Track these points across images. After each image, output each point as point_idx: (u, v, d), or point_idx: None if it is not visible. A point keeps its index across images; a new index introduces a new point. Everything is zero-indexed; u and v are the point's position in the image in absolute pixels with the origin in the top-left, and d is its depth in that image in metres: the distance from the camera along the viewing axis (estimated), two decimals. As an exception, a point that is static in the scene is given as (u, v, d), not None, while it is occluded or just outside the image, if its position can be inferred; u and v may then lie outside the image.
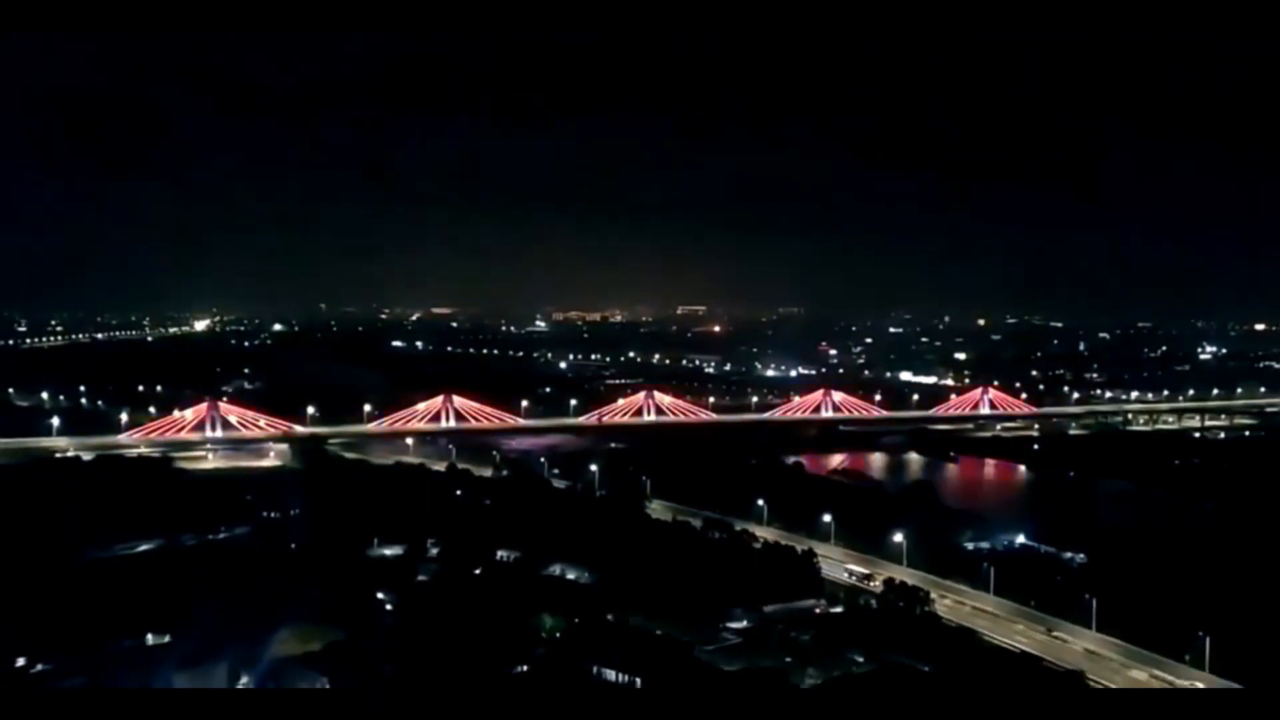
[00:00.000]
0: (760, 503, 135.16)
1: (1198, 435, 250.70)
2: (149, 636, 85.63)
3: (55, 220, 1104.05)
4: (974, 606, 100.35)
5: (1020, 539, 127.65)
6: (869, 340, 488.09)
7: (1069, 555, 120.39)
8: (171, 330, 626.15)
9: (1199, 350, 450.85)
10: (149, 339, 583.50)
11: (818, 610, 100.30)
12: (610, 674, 73.96)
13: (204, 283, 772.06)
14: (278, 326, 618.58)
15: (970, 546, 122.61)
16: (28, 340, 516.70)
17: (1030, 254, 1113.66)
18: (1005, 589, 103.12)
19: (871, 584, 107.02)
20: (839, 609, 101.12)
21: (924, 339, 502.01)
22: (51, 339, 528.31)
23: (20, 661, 79.95)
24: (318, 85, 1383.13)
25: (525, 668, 78.59)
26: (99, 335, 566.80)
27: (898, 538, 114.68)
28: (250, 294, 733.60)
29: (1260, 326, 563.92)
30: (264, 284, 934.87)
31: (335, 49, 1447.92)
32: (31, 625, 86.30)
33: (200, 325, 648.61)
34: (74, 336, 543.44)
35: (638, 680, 71.81)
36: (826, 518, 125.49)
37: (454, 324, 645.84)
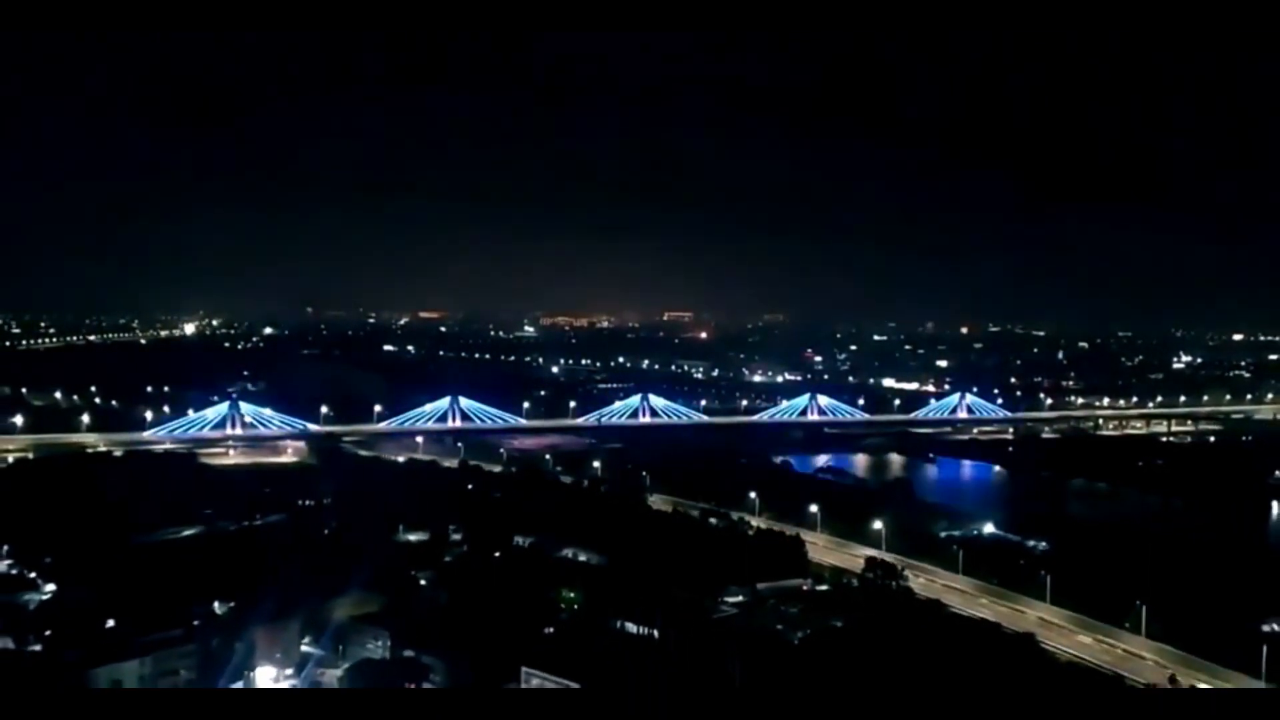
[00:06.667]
0: (752, 495, 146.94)
1: (1164, 439, 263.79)
2: (216, 605, 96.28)
3: (36, 222, 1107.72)
4: (944, 584, 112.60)
5: (989, 528, 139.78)
6: (854, 347, 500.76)
7: (1033, 543, 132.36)
8: (162, 333, 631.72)
9: (1174, 359, 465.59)
10: (142, 341, 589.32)
11: (805, 588, 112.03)
12: (631, 627, 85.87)
13: (188, 285, 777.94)
14: (269, 329, 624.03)
15: (943, 534, 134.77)
16: (23, 342, 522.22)
17: (1015, 264, 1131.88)
18: (973, 570, 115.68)
19: None
20: (824, 587, 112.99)
21: (907, 346, 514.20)
22: (46, 341, 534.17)
23: (110, 622, 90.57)
24: (302, 88, 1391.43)
25: (551, 629, 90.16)
26: (92, 337, 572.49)
27: (877, 525, 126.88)
28: (236, 297, 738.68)
29: (1238, 337, 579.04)
30: (249, 287, 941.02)
31: (321, 52, 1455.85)
32: (108, 596, 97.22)
33: (189, 328, 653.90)
34: (68, 339, 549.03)
35: (655, 633, 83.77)
36: (813, 508, 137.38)
37: (442, 328, 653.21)
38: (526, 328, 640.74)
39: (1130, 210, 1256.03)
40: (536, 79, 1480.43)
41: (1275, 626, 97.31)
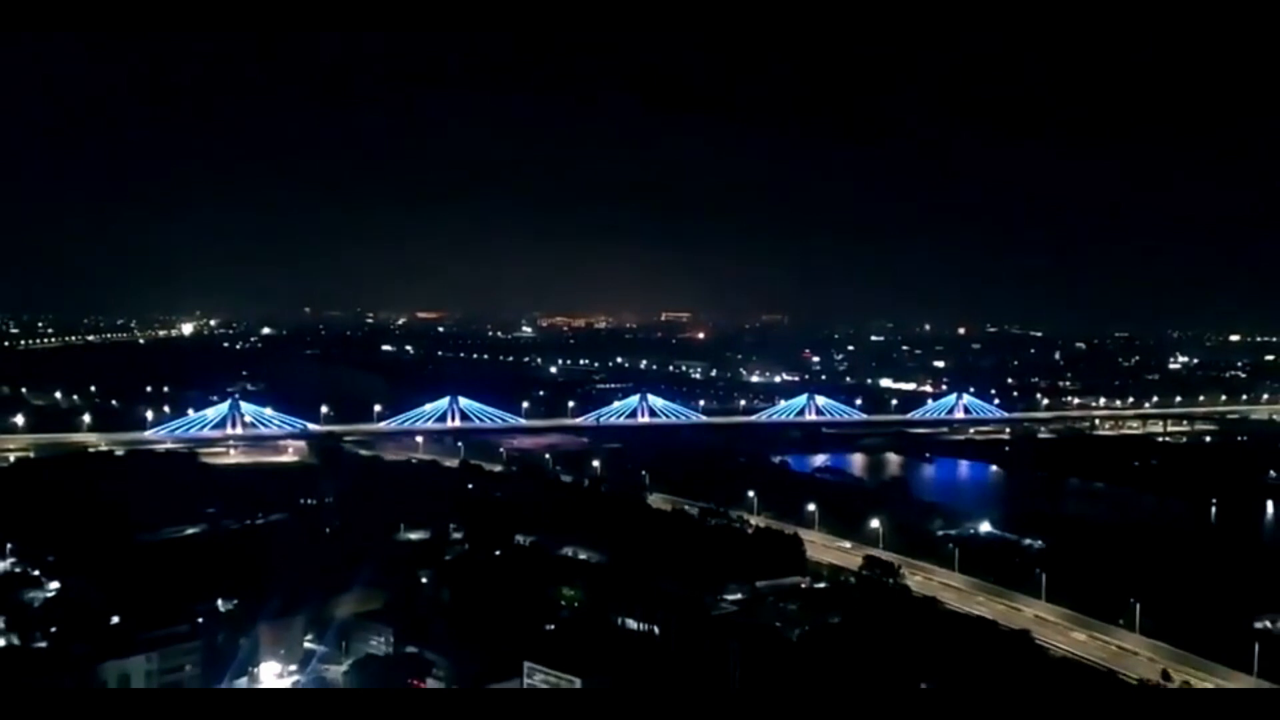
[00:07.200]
0: (750, 495, 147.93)
1: (1160, 439, 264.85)
2: (219, 602, 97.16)
3: (33, 223, 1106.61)
4: (941, 582, 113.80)
5: (985, 527, 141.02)
6: (851, 348, 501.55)
7: (1028, 541, 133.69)
8: (160, 333, 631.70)
9: (1170, 360, 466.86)
10: (140, 341, 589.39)
11: (803, 585, 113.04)
12: (632, 624, 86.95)
13: (185, 285, 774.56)
14: (267, 330, 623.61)
15: (940, 533, 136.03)
16: (22, 342, 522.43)
17: (1013, 265, 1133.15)
18: (970, 568, 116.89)
19: None
20: (822, 584, 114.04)
21: (905, 347, 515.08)
22: (45, 341, 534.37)
23: (115, 619, 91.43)
24: (301, 88, 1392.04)
25: (553, 626, 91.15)
26: (91, 337, 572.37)
27: (874, 524, 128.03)
28: (234, 297, 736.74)
29: (1235, 337, 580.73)
30: (247, 287, 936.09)
31: (319, 52, 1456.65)
32: (112, 593, 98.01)
33: (187, 328, 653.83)
34: (66, 339, 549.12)
35: (655, 629, 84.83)
36: (811, 507, 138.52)
37: (440, 328, 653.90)
38: (524, 328, 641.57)
39: (1129, 211, 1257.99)
40: (535, 80, 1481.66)
41: (1268, 624, 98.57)
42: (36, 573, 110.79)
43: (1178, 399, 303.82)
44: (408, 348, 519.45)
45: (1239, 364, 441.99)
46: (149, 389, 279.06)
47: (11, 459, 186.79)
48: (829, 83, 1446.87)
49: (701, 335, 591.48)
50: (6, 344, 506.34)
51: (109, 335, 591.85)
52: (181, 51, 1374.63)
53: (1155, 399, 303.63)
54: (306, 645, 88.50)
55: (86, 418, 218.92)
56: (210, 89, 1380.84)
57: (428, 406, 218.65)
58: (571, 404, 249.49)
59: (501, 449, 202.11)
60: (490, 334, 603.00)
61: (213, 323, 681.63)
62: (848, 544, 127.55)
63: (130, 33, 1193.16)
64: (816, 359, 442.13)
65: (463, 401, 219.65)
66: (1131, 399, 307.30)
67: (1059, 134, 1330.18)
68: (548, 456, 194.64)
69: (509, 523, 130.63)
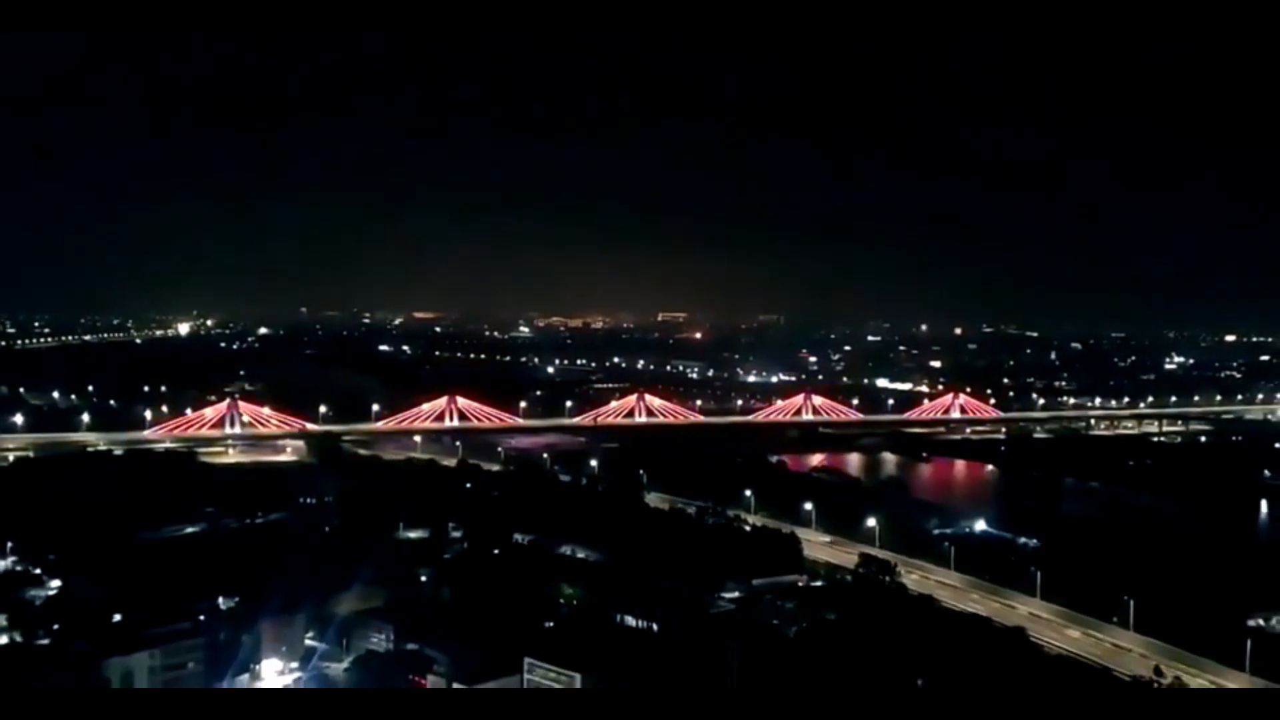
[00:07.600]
0: (748, 494, 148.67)
1: (1155, 439, 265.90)
2: (220, 600, 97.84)
3: (30, 223, 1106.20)
4: (937, 580, 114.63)
5: (981, 526, 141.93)
6: (848, 348, 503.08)
7: (1023, 540, 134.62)
8: (158, 333, 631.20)
9: (1166, 360, 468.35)
10: (137, 341, 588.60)
11: (800, 584, 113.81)
12: (631, 621, 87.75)
13: (182, 286, 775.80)
14: (263, 330, 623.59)
15: (936, 532, 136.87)
16: (19, 342, 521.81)
17: (1010, 265, 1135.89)
18: (965, 566, 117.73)
19: None
20: (819, 582, 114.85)
21: (901, 347, 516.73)
22: (42, 340, 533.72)
23: (117, 617, 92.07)
24: (297, 90, 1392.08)
25: (552, 624, 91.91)
26: (88, 337, 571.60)
27: (871, 523, 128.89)
28: (230, 297, 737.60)
29: (1230, 338, 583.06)
30: (243, 287, 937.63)
31: (318, 53, 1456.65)
32: (114, 591, 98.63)
33: (184, 328, 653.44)
34: (64, 339, 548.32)
35: (654, 627, 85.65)
36: (808, 506, 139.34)
37: (437, 329, 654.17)
38: (521, 328, 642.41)
39: (1126, 212, 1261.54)
40: (533, 83, 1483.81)
41: (1260, 621, 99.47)
42: (38, 571, 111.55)
43: (1173, 399, 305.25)
44: (405, 348, 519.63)
45: (1234, 364, 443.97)
46: (147, 389, 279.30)
47: (11, 459, 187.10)
48: (826, 84, 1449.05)
49: (698, 335, 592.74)
50: (3, 344, 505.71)
51: (106, 335, 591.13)
52: (181, 52, 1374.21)
53: (1151, 399, 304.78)
54: (308, 642, 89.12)
55: (85, 417, 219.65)
56: (209, 89, 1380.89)
57: (425, 406, 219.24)
58: (569, 404, 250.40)
59: (499, 448, 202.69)
60: (487, 334, 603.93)
61: (209, 323, 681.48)
62: (845, 544, 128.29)
63: (130, 33, 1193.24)
64: (813, 359, 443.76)
65: (460, 401, 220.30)
66: (1127, 399, 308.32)
67: (1056, 135, 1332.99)
68: (546, 456, 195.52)
69: (508, 521, 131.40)
